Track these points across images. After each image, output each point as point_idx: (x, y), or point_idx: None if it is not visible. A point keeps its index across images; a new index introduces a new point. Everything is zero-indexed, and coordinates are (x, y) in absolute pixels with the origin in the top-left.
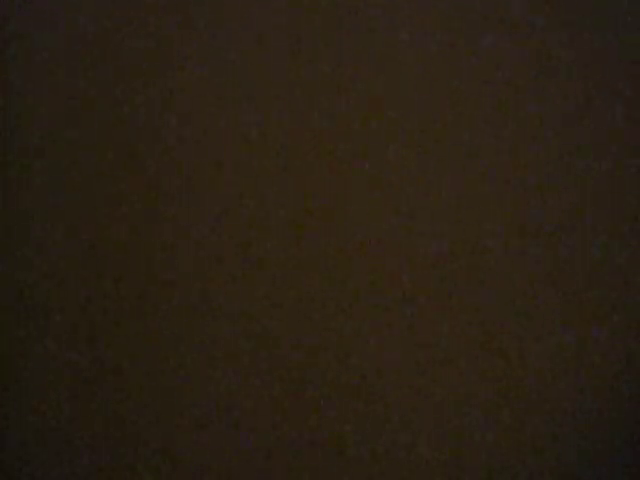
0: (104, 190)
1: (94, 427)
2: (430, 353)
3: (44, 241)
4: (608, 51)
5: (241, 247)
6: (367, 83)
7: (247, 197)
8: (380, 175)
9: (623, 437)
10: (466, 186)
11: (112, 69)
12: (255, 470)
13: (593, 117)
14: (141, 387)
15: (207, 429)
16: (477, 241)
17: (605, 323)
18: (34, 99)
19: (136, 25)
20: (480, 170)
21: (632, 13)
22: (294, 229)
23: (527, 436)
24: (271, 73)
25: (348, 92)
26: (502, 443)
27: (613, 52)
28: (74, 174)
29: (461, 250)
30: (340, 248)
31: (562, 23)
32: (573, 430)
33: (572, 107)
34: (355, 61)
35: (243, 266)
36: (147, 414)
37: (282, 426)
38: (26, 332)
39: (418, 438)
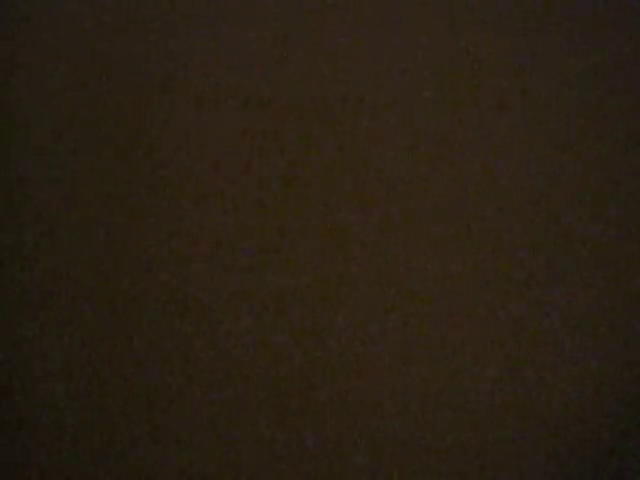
0: (103, 189)
1: (94, 428)
2: (436, 349)
3: (44, 240)
4: (609, 51)
5: (240, 249)
6: (369, 79)
7: (246, 196)
8: (377, 177)
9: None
10: (467, 188)
11: (111, 70)
12: (256, 468)
13: (596, 124)
14: (140, 386)
15: (205, 425)
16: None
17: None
18: (34, 100)
19: (134, 29)
20: (479, 171)
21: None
22: (294, 228)
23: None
24: (271, 73)
25: (349, 88)
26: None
27: (614, 52)
28: (74, 174)
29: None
30: (339, 247)
31: (562, 25)
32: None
33: (574, 109)
34: (356, 58)
35: (242, 266)
36: (147, 413)
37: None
38: (25, 330)
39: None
